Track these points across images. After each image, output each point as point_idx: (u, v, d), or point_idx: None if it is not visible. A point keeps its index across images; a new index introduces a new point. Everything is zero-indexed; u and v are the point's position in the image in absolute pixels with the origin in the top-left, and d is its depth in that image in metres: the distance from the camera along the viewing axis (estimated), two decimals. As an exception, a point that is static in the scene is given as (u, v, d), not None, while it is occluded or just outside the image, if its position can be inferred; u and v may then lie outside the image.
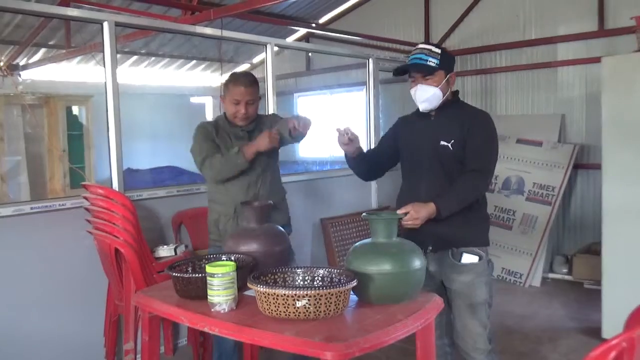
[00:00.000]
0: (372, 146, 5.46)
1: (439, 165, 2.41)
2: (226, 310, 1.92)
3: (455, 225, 2.36)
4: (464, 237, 2.41)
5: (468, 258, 2.40)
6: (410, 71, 2.44)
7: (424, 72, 2.39)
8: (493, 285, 2.50)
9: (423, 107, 2.44)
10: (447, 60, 2.42)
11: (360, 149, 2.49)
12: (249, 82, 2.75)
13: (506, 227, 5.48)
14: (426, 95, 2.40)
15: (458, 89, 2.60)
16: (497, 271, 5.39)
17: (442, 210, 2.27)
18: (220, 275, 1.92)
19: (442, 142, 2.40)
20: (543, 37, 5.78)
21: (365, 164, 2.59)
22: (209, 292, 1.94)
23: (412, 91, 2.44)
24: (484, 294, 2.41)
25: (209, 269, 1.94)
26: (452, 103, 2.48)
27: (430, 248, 2.43)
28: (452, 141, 2.39)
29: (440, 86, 2.39)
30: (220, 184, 2.85)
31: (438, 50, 2.40)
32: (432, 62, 2.37)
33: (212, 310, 1.93)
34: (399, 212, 2.25)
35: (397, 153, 2.61)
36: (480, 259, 2.41)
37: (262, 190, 2.86)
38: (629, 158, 3.59)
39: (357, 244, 2.16)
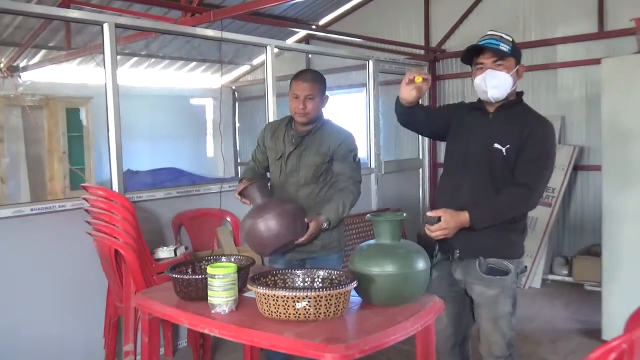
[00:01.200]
0: (372, 148, 5.46)
1: (488, 169, 2.25)
2: (226, 311, 1.92)
3: (487, 234, 2.23)
4: (493, 247, 2.27)
5: (494, 272, 2.28)
6: (480, 54, 2.27)
7: (497, 56, 2.23)
8: (517, 294, 2.39)
9: (492, 93, 2.24)
10: (517, 50, 2.29)
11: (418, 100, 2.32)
12: (310, 77, 2.69)
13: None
14: (497, 81, 2.22)
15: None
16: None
17: (476, 222, 2.16)
18: (221, 276, 1.92)
19: (496, 145, 2.24)
20: (543, 38, 5.78)
21: (413, 115, 2.38)
22: (210, 293, 1.94)
23: (479, 78, 2.25)
24: (508, 306, 2.32)
25: (209, 270, 1.94)
26: (514, 104, 2.31)
27: (458, 253, 2.33)
28: (508, 146, 2.22)
29: (511, 73, 2.24)
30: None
31: (510, 38, 2.27)
32: (505, 47, 2.23)
33: (213, 311, 1.93)
34: (429, 214, 2.19)
35: (443, 132, 2.45)
36: (507, 274, 2.29)
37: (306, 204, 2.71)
38: (629, 159, 3.58)
39: (361, 244, 2.15)
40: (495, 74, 2.23)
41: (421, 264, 2.01)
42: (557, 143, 2.37)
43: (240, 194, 2.64)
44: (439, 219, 2.17)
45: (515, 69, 2.28)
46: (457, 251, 2.33)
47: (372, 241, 2.14)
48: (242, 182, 2.71)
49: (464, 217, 2.17)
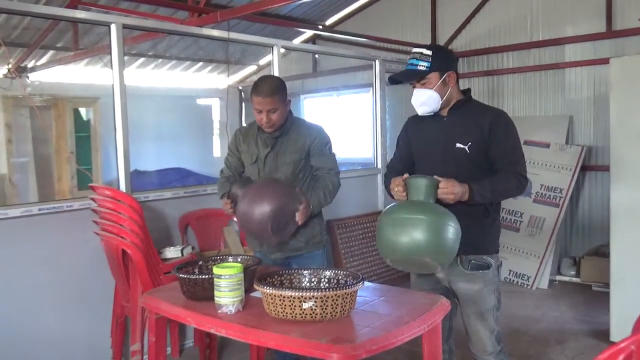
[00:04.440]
0: (379, 148, 5.46)
1: (455, 169, 2.33)
2: (233, 311, 1.92)
3: (466, 232, 2.29)
4: (473, 245, 2.35)
5: (477, 267, 2.36)
6: (402, 79, 2.43)
7: (414, 78, 2.36)
8: (501, 288, 2.47)
9: (421, 110, 2.40)
10: (440, 61, 2.34)
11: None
12: (269, 91, 2.64)
13: (513, 229, 5.45)
14: (422, 99, 2.36)
15: (470, 87, 2.51)
16: (505, 273, 5.37)
17: (475, 193, 2.21)
18: (227, 276, 1.92)
19: (458, 145, 2.34)
20: (550, 38, 5.75)
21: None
22: (216, 293, 1.94)
23: (412, 97, 2.42)
24: (492, 300, 2.39)
25: (216, 270, 1.94)
26: (464, 102, 2.41)
27: None
28: (470, 143, 2.32)
29: (435, 88, 2.33)
30: None
31: (429, 52, 2.33)
32: (423, 65, 2.33)
33: (219, 311, 1.93)
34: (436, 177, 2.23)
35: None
36: (488, 268, 2.38)
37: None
38: (638, 160, 3.56)
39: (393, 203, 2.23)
40: (420, 92, 2.37)
41: (452, 223, 2.10)
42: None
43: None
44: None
45: (442, 79, 2.35)
46: None
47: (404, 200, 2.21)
48: (222, 198, 2.75)
49: (465, 187, 2.21)
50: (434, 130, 2.43)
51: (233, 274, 1.93)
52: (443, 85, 2.35)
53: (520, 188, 2.34)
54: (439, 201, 2.20)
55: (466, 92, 2.46)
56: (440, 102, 2.36)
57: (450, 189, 2.17)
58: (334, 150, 2.87)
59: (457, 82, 2.42)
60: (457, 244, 2.13)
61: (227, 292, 1.92)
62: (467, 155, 2.33)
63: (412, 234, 2.05)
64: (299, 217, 2.59)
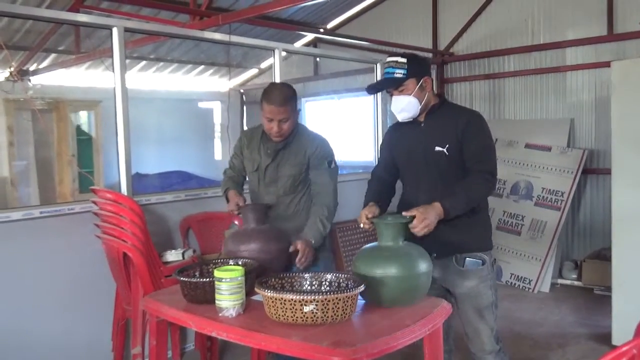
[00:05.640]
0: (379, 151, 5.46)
1: (436, 171, 2.41)
2: (234, 315, 1.92)
3: (458, 232, 2.37)
4: (467, 243, 2.42)
5: (472, 264, 2.41)
6: (380, 87, 2.50)
7: (393, 86, 2.40)
8: (497, 286, 2.51)
9: (402, 117, 2.44)
10: (415, 67, 2.40)
11: (382, 206, 2.40)
12: (282, 99, 2.57)
13: (515, 232, 5.45)
14: (401, 105, 2.40)
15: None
16: (506, 277, 5.36)
17: (450, 209, 2.24)
18: (228, 280, 1.92)
19: (437, 148, 2.39)
20: (551, 41, 5.76)
21: (392, 190, 2.61)
22: (217, 296, 1.94)
23: (391, 104, 2.46)
24: (489, 297, 2.43)
25: (217, 273, 1.94)
26: (439, 106, 2.46)
27: (435, 255, 2.41)
28: (447, 146, 2.37)
29: (413, 93, 2.38)
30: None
31: (404, 60, 2.38)
32: (399, 73, 2.37)
33: (220, 314, 1.93)
34: (404, 214, 2.20)
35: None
36: (483, 264, 2.42)
37: (290, 214, 2.73)
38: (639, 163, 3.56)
39: (363, 247, 2.18)
40: (399, 99, 2.41)
41: (423, 266, 2.04)
42: (499, 136, 2.50)
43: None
44: (412, 219, 2.17)
45: (419, 85, 2.39)
46: (434, 254, 2.40)
47: (374, 244, 2.16)
48: (228, 193, 2.72)
49: (437, 207, 2.23)
50: (414, 136, 2.48)
51: (233, 277, 1.93)
52: (420, 90, 2.40)
53: (490, 187, 2.39)
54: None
55: (440, 96, 2.52)
56: (419, 107, 2.41)
57: (424, 224, 2.15)
58: (336, 162, 2.77)
59: (432, 87, 2.48)
60: (430, 279, 2.11)
61: (227, 296, 1.92)
62: (447, 157, 2.38)
63: (384, 291, 1.99)
64: (302, 262, 2.46)
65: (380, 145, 2.72)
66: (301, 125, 2.79)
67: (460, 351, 2.70)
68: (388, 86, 2.43)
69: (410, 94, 2.38)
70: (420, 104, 2.40)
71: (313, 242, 2.53)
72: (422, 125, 2.47)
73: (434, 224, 2.19)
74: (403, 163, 2.54)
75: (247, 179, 2.94)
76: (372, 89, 2.51)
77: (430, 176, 2.42)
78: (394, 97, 2.43)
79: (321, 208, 2.63)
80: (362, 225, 2.30)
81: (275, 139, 2.65)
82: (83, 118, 7.32)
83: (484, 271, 2.42)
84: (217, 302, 1.95)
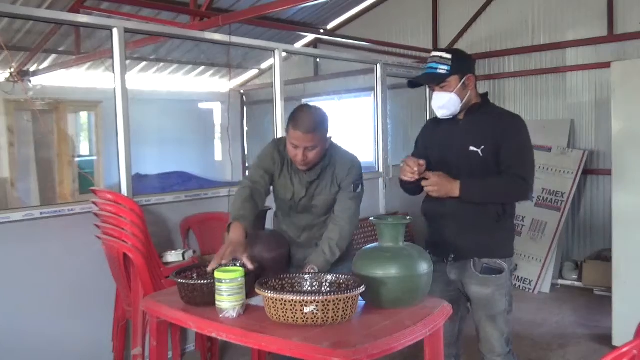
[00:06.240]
0: (380, 152, 5.46)
1: (467, 171, 2.33)
2: (234, 316, 1.92)
3: (479, 235, 2.33)
4: (486, 248, 2.36)
5: (489, 271, 2.35)
6: (421, 82, 2.44)
7: (434, 82, 2.36)
8: (512, 292, 2.47)
9: (441, 114, 2.39)
10: (460, 64, 2.35)
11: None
12: (309, 126, 2.31)
13: (515, 233, 5.42)
14: (442, 102, 2.36)
15: (487, 91, 2.50)
16: (506, 277, 5.36)
17: (465, 190, 2.25)
18: (228, 281, 1.92)
19: (472, 148, 2.34)
20: (552, 42, 5.75)
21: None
22: (218, 297, 1.94)
23: (432, 100, 2.42)
24: (504, 304, 2.39)
25: (217, 274, 1.94)
26: (480, 106, 2.41)
27: (453, 257, 2.40)
28: (483, 147, 2.32)
29: (455, 91, 2.33)
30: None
31: (448, 56, 2.34)
32: (443, 69, 2.33)
33: (221, 315, 1.93)
34: (427, 174, 2.27)
35: None
36: (501, 272, 2.36)
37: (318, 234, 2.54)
38: None
39: (364, 248, 2.17)
40: (440, 95, 2.36)
41: (423, 267, 2.03)
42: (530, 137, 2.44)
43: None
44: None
45: (462, 82, 2.34)
46: (452, 255, 2.40)
47: (375, 244, 2.15)
48: (233, 225, 2.25)
49: (455, 183, 2.27)
50: (450, 134, 2.43)
51: (234, 278, 1.93)
52: (462, 88, 2.35)
53: (520, 192, 2.34)
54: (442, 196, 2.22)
55: (483, 96, 2.45)
56: (460, 105, 2.36)
57: (434, 185, 2.25)
58: (362, 186, 2.54)
59: (476, 85, 2.41)
60: (430, 280, 2.09)
61: (228, 297, 1.92)
62: (480, 158, 2.33)
63: (385, 292, 1.98)
64: None
65: (417, 137, 2.65)
66: (333, 147, 2.52)
67: (469, 354, 2.67)
68: (430, 82, 2.39)
69: (451, 91, 2.33)
70: (462, 102, 2.35)
71: (316, 270, 2.31)
72: (460, 123, 2.41)
73: (443, 192, 2.28)
74: (436, 158, 2.45)
75: (267, 194, 2.56)
76: (412, 84, 2.46)
77: (460, 175, 2.33)
78: (434, 93, 2.38)
79: (334, 232, 2.42)
80: (405, 177, 2.28)
81: (301, 167, 2.43)
82: (83, 119, 7.32)
83: (501, 279, 2.37)
84: (217, 303, 1.94)
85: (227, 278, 1.92)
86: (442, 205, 2.37)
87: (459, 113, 2.40)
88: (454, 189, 2.27)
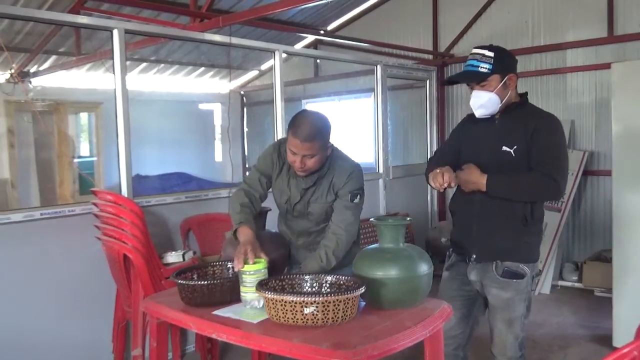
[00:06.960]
0: (380, 153, 5.46)
1: (498, 171, 2.28)
2: (259, 306, 1.97)
3: (504, 238, 2.29)
4: (510, 252, 2.31)
5: (510, 275, 2.31)
6: (460, 81, 2.39)
7: (475, 80, 2.30)
8: (532, 297, 2.44)
9: (479, 113, 2.34)
10: (502, 62, 2.29)
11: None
12: (309, 134, 2.25)
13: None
14: (481, 101, 2.30)
15: (527, 90, 2.44)
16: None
17: (491, 183, 2.23)
18: (252, 272, 1.99)
19: (504, 148, 2.29)
20: (552, 43, 5.76)
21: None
22: (242, 289, 2.00)
23: (470, 99, 2.36)
24: (522, 309, 2.35)
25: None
26: (517, 106, 2.35)
27: (475, 257, 2.37)
28: (515, 147, 2.27)
29: (495, 90, 2.27)
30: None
31: (491, 54, 2.28)
32: (484, 67, 2.27)
33: (246, 307, 1.98)
34: (464, 167, 2.30)
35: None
36: (523, 277, 2.32)
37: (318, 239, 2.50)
38: (640, 164, 3.56)
39: (364, 249, 2.17)
40: (480, 94, 2.31)
41: (424, 268, 2.02)
42: (566, 138, 2.37)
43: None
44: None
45: (503, 82, 2.29)
46: (474, 255, 2.37)
47: (375, 245, 2.14)
48: (240, 229, 2.29)
49: (483, 176, 2.25)
50: (484, 132, 2.38)
51: (258, 269, 2.00)
52: (503, 88, 2.29)
53: (547, 191, 2.26)
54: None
55: (522, 96, 2.40)
56: (499, 105, 2.31)
57: (464, 176, 2.23)
58: (363, 195, 2.48)
59: (516, 85, 2.36)
60: (431, 281, 2.07)
61: (253, 288, 1.96)
62: (513, 159, 2.28)
63: (385, 293, 1.98)
64: None
65: (452, 130, 2.61)
66: (334, 155, 2.47)
67: (476, 355, 2.65)
68: (470, 80, 2.32)
69: (492, 91, 2.28)
70: (501, 102, 2.30)
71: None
72: (496, 122, 2.36)
73: (471, 183, 2.27)
74: (468, 156, 2.40)
75: (262, 198, 2.57)
76: (451, 82, 2.42)
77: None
78: (474, 92, 2.32)
79: (331, 241, 2.37)
80: (435, 185, 2.24)
81: (299, 174, 2.40)
82: (84, 120, 7.33)
83: (521, 284, 2.32)
84: (242, 294, 2.00)
85: (252, 270, 1.99)
86: (469, 204, 2.33)
87: (496, 112, 2.35)
88: (479, 180, 2.24)
